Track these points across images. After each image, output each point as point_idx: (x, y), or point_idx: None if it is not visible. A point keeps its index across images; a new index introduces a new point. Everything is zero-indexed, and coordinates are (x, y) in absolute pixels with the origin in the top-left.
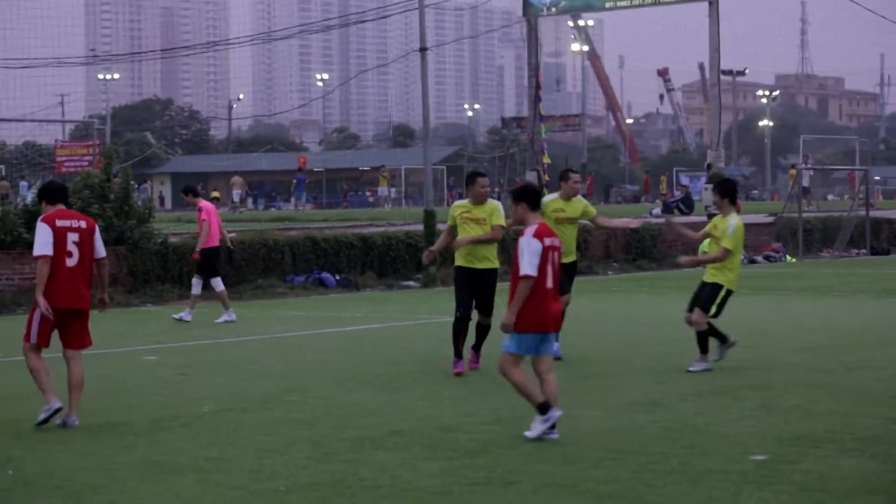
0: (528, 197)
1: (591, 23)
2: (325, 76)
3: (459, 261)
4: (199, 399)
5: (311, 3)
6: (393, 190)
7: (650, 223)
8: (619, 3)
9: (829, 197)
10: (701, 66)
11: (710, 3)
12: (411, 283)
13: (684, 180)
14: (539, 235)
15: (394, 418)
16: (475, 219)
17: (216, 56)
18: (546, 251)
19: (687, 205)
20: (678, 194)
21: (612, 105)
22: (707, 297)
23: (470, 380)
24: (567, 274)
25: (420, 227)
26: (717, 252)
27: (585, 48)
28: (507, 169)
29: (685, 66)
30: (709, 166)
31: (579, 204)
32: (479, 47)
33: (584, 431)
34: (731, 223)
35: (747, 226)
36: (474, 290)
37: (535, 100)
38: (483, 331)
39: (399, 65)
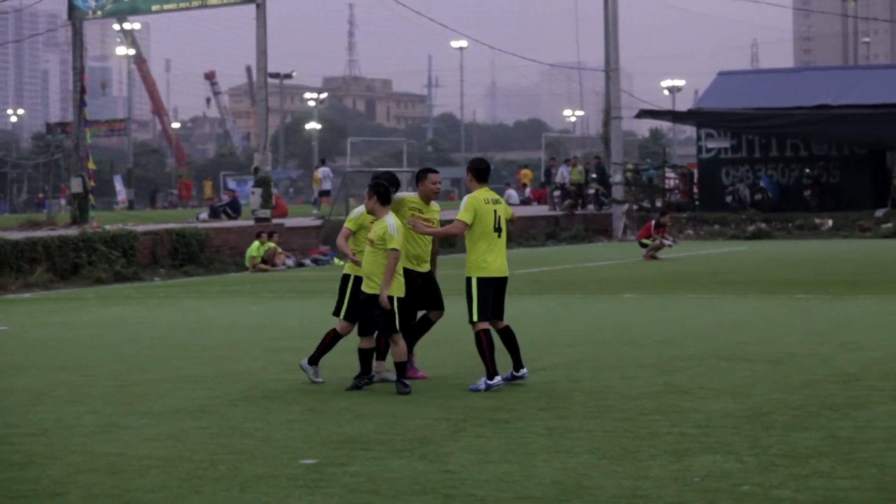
0: None
1: (137, 26)
2: None
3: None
4: None
5: None
6: None
7: (197, 227)
8: (165, 6)
9: None
10: (248, 69)
11: (258, 6)
12: None
13: (231, 184)
14: None
15: None
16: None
17: None
18: None
19: (234, 209)
20: (226, 198)
21: (158, 109)
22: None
23: (12, 390)
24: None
25: None
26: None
27: (132, 52)
28: (51, 175)
29: (232, 68)
30: (256, 170)
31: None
32: (24, 51)
33: (132, 440)
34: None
35: (295, 229)
36: None
37: (80, 104)
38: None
39: None
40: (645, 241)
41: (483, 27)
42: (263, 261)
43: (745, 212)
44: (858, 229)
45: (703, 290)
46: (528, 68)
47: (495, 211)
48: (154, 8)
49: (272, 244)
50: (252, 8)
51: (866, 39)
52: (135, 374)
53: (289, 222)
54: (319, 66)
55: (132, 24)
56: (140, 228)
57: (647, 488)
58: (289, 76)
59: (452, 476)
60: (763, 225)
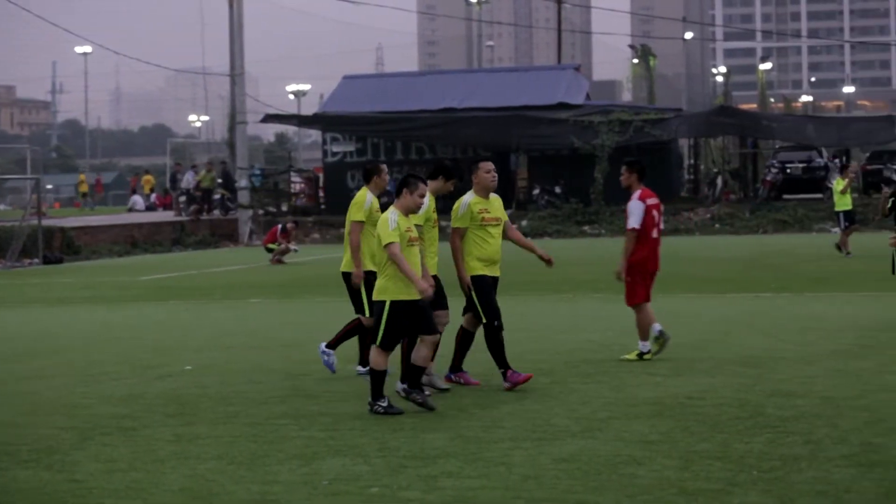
0: None
1: None
2: None
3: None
4: None
5: None
6: None
7: None
8: None
9: (1, 206)
10: None
11: None
12: None
13: None
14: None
15: None
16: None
17: None
18: None
19: None
20: None
21: None
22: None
23: None
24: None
25: None
26: None
27: None
28: None
29: None
30: None
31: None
32: None
33: None
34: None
35: None
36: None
37: None
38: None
39: None
40: (271, 245)
41: (108, 32)
42: None
43: None
44: None
45: (327, 294)
46: (153, 73)
47: None
48: None
49: None
50: None
51: (490, 43)
52: None
53: None
54: None
55: None
56: None
57: (276, 493)
58: None
59: (80, 485)
60: None
